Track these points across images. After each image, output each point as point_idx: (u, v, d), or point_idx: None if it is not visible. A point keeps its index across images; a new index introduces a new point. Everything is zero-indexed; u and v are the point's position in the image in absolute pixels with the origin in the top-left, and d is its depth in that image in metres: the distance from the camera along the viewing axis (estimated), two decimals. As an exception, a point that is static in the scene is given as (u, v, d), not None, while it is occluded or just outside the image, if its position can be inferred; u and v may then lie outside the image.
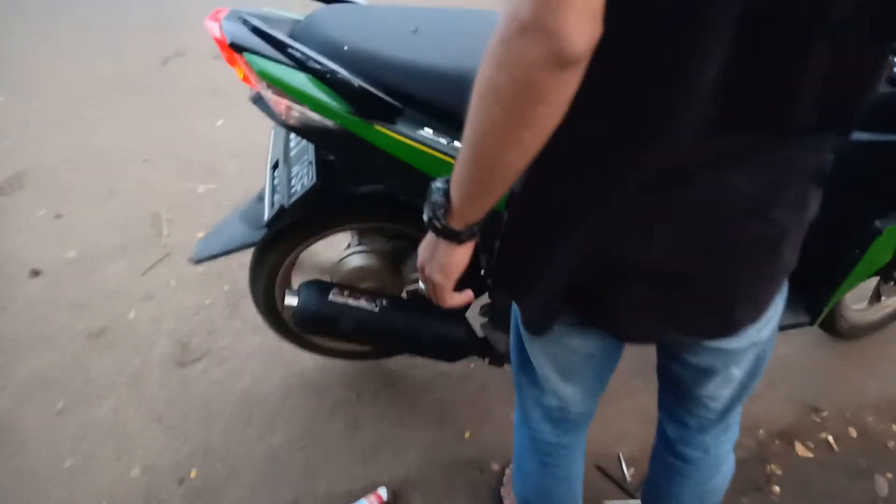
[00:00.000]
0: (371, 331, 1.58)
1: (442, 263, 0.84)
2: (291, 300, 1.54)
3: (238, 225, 1.61)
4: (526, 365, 1.14)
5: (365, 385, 1.96)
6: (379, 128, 1.26)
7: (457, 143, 1.29)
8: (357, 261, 1.70)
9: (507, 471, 1.74)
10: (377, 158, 1.30)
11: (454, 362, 1.75)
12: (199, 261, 1.57)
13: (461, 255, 0.83)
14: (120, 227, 2.45)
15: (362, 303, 1.57)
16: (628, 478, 1.79)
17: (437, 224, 0.80)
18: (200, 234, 2.40)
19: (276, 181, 1.50)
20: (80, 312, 2.16)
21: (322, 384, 1.96)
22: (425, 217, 0.81)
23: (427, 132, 1.28)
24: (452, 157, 1.28)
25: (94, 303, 2.19)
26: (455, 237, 0.80)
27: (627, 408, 1.92)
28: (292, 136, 1.55)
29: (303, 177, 1.42)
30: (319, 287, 1.56)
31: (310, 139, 1.36)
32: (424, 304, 1.64)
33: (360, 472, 1.76)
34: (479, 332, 1.71)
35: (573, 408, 1.16)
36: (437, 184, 0.80)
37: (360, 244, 1.72)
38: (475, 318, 1.70)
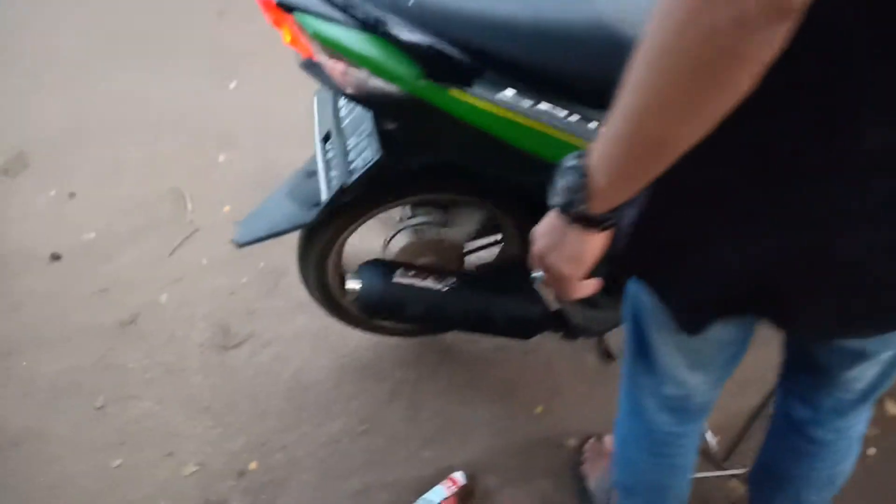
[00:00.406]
0: (440, 313, 1.45)
1: (572, 253, 0.72)
2: (354, 284, 1.41)
3: (285, 203, 1.45)
4: (643, 354, 1.02)
5: (423, 363, 1.85)
6: (453, 92, 1.10)
7: (543, 106, 1.13)
8: (413, 235, 1.56)
9: (587, 447, 1.65)
10: (450, 127, 1.14)
11: (527, 339, 1.62)
12: (244, 244, 1.43)
13: (597, 243, 0.72)
14: (139, 205, 2.29)
15: (429, 283, 1.43)
16: (715, 447, 1.70)
17: (575, 209, 0.67)
18: (227, 209, 2.25)
19: (328, 155, 1.34)
20: (106, 299, 2.02)
21: (377, 365, 1.85)
22: (555, 201, 0.69)
23: (508, 94, 1.12)
24: (538, 122, 1.12)
25: (120, 288, 2.05)
26: (594, 223, 0.69)
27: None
28: (342, 102, 1.39)
29: (363, 150, 1.26)
30: (383, 268, 1.42)
31: (370, 107, 1.21)
32: (494, 280, 1.51)
33: (428, 457, 1.66)
34: (553, 306, 1.58)
35: (697, 397, 1.05)
36: (572, 162, 0.68)
37: (413, 216, 1.58)
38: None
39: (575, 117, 1.13)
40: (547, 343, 1.85)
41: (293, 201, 1.45)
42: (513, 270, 1.54)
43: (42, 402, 1.80)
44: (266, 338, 1.91)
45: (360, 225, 1.48)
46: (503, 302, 1.48)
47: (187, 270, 2.07)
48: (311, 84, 1.26)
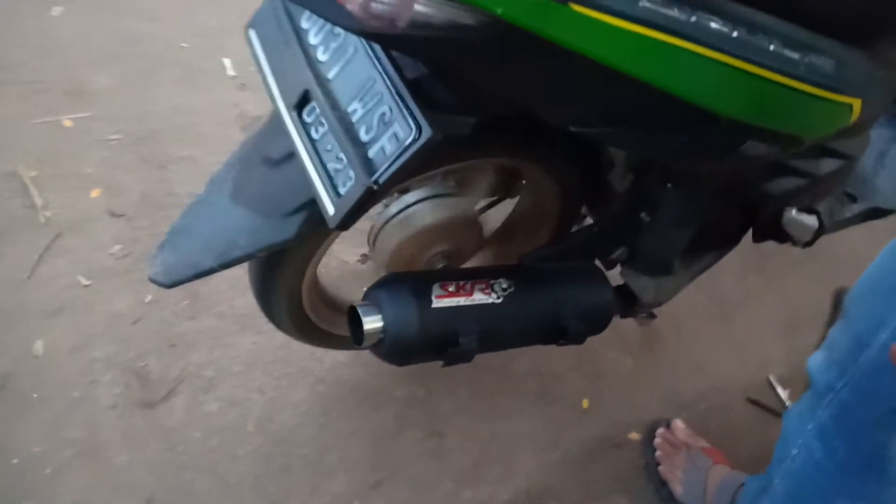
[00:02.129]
0: (500, 334, 1.01)
1: None
2: (373, 322, 0.93)
3: (236, 212, 0.92)
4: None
5: (428, 374, 1.42)
6: (577, 7, 0.61)
7: (716, 25, 0.67)
8: (428, 214, 1.09)
9: (658, 441, 1.33)
10: (563, 68, 0.67)
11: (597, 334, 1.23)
12: (175, 284, 0.91)
13: None
14: (-41, 206, 1.58)
15: (480, 296, 0.98)
16: (787, 403, 1.43)
17: None
18: (96, 193, 1.60)
19: (317, 132, 0.81)
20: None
21: (368, 385, 1.39)
22: None
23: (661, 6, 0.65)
24: (709, 48, 0.67)
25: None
26: None
27: (759, 318, 1.52)
28: (324, 47, 0.83)
29: (389, 122, 0.75)
30: (410, 289, 0.95)
31: (418, 52, 0.70)
32: (554, 269, 1.09)
33: (471, 498, 1.27)
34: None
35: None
36: None
37: (407, 195, 1.10)
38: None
39: (773, 42, 0.69)
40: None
41: (248, 207, 0.92)
42: (568, 250, 1.12)
43: None
44: (205, 378, 1.38)
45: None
46: (573, 293, 1.06)
47: (62, 298, 1.45)
48: None
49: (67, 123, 1.71)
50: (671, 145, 0.80)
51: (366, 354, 1.42)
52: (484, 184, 1.19)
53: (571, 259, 1.10)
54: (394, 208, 1.11)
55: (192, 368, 1.39)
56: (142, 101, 1.76)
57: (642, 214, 1.07)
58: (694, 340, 1.53)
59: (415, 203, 1.10)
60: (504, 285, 1.01)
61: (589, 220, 1.24)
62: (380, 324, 0.93)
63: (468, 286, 0.98)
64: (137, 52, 1.89)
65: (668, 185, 1.05)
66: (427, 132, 0.72)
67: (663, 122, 0.74)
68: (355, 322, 0.94)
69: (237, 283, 1.47)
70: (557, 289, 1.06)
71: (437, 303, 0.94)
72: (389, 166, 0.74)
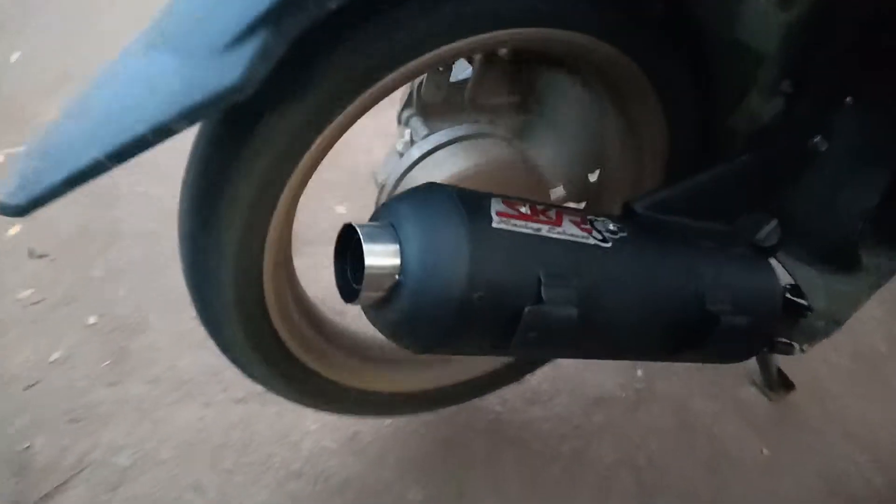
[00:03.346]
0: (609, 303, 0.57)
1: None
2: (381, 252, 0.50)
3: (148, 68, 0.52)
4: None
5: (460, 459, 0.93)
6: None
7: None
8: (465, 157, 0.70)
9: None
10: None
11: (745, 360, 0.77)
12: (30, 205, 0.49)
13: None
14: None
15: (571, 230, 0.55)
16: None
17: None
18: (15, 230, 1.21)
19: None
20: None
21: (368, 482, 0.91)
22: None
23: None
24: None
25: None
26: None
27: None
28: None
29: None
30: (456, 199, 0.52)
31: None
32: (682, 226, 0.67)
33: None
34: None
35: None
36: None
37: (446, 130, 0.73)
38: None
39: None
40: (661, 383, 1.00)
41: (168, 51, 0.53)
42: (696, 198, 0.70)
43: None
44: (116, 467, 0.90)
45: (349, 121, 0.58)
46: (720, 266, 0.64)
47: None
48: None
49: (-1, 157, 1.37)
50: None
51: (365, 435, 0.94)
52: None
53: (700, 217, 0.69)
54: (416, 152, 0.73)
55: (98, 454, 0.91)
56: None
57: (815, 140, 0.68)
58: (843, 409, 1.05)
59: (446, 144, 0.72)
60: (611, 227, 0.58)
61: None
62: (395, 258, 0.50)
63: (552, 213, 0.56)
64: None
65: (848, 98, 0.68)
66: None
67: None
68: (350, 257, 0.51)
69: (183, 338, 1.03)
70: (695, 253, 0.64)
71: (502, 223, 0.52)
72: None
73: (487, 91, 0.76)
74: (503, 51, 0.75)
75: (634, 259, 0.58)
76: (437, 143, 0.72)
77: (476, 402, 0.96)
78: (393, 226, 0.51)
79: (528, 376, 0.98)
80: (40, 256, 1.17)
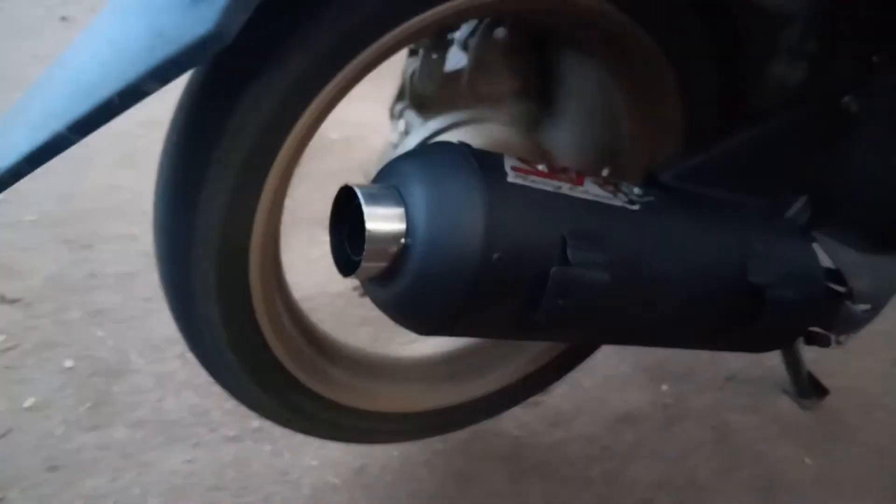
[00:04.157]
0: (643, 269, 0.50)
1: None
2: (383, 215, 0.43)
3: (120, 26, 0.47)
4: None
5: (486, 486, 0.84)
6: None
7: None
8: (480, 139, 0.65)
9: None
10: None
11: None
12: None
13: None
14: None
15: (594, 190, 0.49)
16: None
17: None
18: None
19: None
20: None
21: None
22: None
23: None
24: None
25: None
26: None
27: None
28: None
29: None
30: (467, 155, 0.46)
31: None
32: (715, 196, 0.61)
33: None
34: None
35: None
36: None
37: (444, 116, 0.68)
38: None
39: None
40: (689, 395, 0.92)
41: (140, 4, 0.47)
42: (725, 166, 0.64)
43: None
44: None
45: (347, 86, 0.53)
46: (760, 236, 0.58)
47: None
48: None
49: None
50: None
51: (372, 468, 0.86)
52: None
53: (730, 187, 0.63)
54: (413, 138, 0.67)
55: (78, 504, 0.81)
56: (70, 182, 1.37)
57: (845, 100, 0.63)
58: (891, 417, 0.97)
59: (446, 129, 0.67)
60: (637, 191, 0.52)
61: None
62: (400, 222, 0.44)
63: (572, 173, 0.50)
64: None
65: (874, 57, 0.63)
66: None
67: None
68: (349, 225, 0.45)
69: (167, 379, 0.95)
70: (737, 221, 0.57)
71: (518, 177, 0.46)
72: None
73: (485, 77, 0.71)
74: (501, 33, 0.71)
75: (668, 223, 0.52)
76: (436, 129, 0.67)
77: (491, 427, 0.88)
78: (397, 188, 0.45)
79: (542, 397, 0.90)
80: (13, 301, 1.09)
